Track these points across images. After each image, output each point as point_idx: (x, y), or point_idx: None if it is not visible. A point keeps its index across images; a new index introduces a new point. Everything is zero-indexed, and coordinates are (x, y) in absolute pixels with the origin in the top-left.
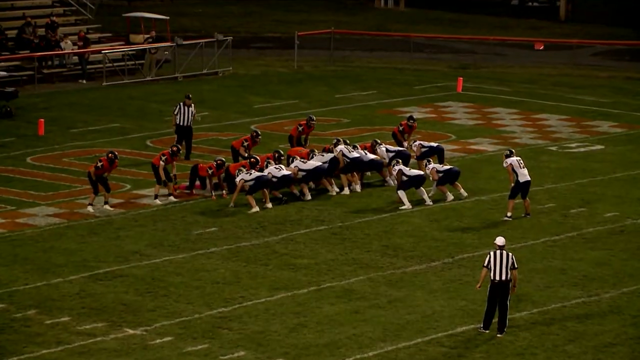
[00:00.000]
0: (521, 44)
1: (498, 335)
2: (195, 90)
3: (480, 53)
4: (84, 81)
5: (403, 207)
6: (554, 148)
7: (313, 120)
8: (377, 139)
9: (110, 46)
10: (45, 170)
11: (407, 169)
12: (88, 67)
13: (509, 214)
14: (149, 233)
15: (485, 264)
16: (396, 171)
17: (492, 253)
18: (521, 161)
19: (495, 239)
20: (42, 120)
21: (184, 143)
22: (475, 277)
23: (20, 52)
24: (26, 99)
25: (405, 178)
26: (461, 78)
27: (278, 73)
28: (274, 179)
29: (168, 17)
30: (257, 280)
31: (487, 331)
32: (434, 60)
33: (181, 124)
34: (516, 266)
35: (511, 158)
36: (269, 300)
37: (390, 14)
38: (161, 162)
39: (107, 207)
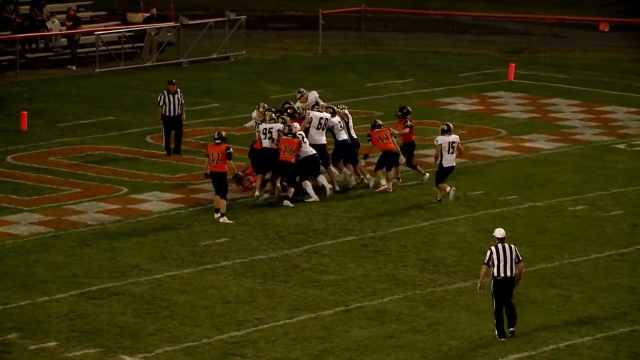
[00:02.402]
0: (583, 24)
1: (511, 329)
2: (203, 78)
3: (535, 35)
4: (74, 67)
5: (310, 200)
6: (621, 146)
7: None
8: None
9: (105, 26)
10: (28, 171)
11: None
12: (78, 51)
13: (438, 198)
14: (149, 244)
15: (486, 261)
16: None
17: (493, 248)
18: (455, 144)
19: (494, 231)
20: (25, 112)
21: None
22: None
23: (0, 33)
24: (6, 88)
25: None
26: (513, 64)
27: (299, 58)
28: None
29: None
30: (275, 300)
31: (504, 339)
32: (482, 43)
33: (168, 114)
34: (520, 258)
35: (444, 137)
36: (288, 323)
37: None
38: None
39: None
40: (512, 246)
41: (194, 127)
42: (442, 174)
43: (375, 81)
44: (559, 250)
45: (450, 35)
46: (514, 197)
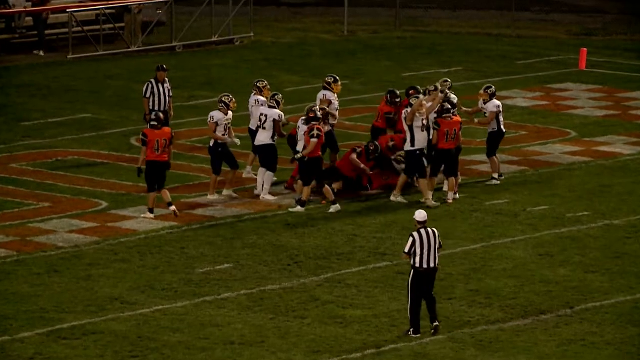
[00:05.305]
0: None
1: (435, 324)
2: (202, 66)
3: (612, 13)
4: (42, 53)
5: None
6: None
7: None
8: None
9: (79, 3)
10: None
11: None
12: (47, 32)
13: (495, 175)
14: (134, 271)
15: (407, 250)
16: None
17: (415, 234)
18: (501, 107)
19: (414, 214)
20: None
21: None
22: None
23: None
24: None
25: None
26: (585, 49)
27: (321, 41)
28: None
29: None
30: (290, 340)
31: (419, 335)
32: (546, 22)
33: (157, 108)
34: (441, 244)
35: (497, 102)
36: None
37: None
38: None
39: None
40: (435, 231)
41: (189, 127)
42: (499, 140)
43: (414, 70)
44: None
45: (507, 13)
46: (586, 213)
